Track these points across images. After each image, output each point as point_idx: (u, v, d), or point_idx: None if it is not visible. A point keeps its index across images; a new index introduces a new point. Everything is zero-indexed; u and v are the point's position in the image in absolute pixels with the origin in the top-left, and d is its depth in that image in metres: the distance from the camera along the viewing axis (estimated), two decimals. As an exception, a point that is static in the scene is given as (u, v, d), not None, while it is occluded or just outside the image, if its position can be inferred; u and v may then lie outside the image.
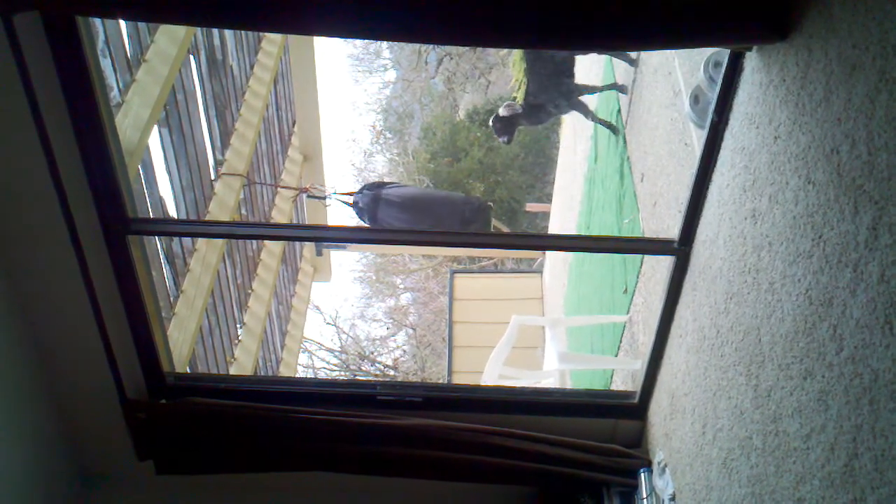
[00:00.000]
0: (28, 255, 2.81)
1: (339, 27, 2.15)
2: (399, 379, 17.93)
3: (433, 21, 2.09)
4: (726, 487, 2.44)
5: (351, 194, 8.33)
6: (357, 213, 8.25)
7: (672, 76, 4.46)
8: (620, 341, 5.45)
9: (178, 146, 6.53)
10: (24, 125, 2.44)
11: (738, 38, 2.26)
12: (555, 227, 10.79)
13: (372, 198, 7.88)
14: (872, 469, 1.66)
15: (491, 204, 8.66)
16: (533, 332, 9.15)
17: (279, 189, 9.53)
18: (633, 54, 5.70)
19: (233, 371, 7.98)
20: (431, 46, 17.19)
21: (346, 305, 26.02)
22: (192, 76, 6.81)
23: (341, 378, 18.25)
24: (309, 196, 9.47)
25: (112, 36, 5.27)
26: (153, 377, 3.19)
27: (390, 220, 8.13)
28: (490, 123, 6.89)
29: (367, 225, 8.23)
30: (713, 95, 2.64)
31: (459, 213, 8.02)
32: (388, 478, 3.21)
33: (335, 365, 19.00)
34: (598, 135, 7.04)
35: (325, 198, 9.36)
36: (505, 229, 15.12)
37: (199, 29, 6.69)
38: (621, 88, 6.03)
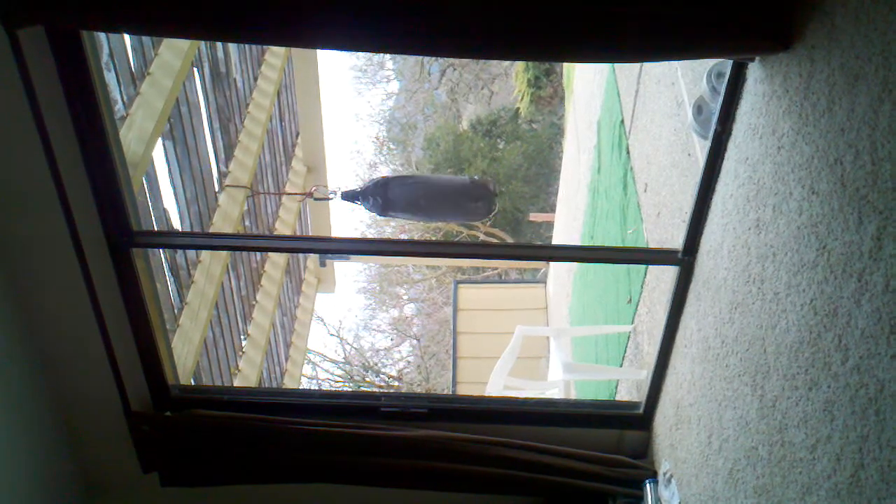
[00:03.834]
0: (32, 267, 2.81)
1: (342, 40, 2.16)
2: (403, 390, 17.93)
3: (434, 34, 2.09)
4: (732, 498, 2.43)
5: (356, 192, 8.34)
6: (367, 209, 8.30)
7: (675, 86, 4.47)
8: (625, 351, 5.44)
9: (183, 159, 6.55)
10: (29, 139, 2.45)
11: (740, 49, 2.26)
12: (558, 238, 10.79)
13: (381, 206, 7.92)
14: (879, 480, 1.66)
15: (490, 179, 8.68)
16: (537, 343, 9.14)
17: (283, 199, 9.55)
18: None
19: (237, 383, 7.99)
20: (434, 57, 17.24)
21: (350, 316, 26.09)
22: (195, 89, 6.83)
23: (345, 389, 18.23)
24: (316, 198, 9.49)
25: (116, 49, 5.29)
26: (157, 389, 3.19)
27: (400, 218, 8.25)
28: None
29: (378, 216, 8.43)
30: (716, 106, 2.65)
31: (465, 198, 8.06)
32: (393, 489, 3.20)
33: (339, 376, 19.00)
34: (601, 145, 7.04)
35: (330, 198, 9.38)
36: (509, 239, 15.14)
37: (202, 42, 6.72)
38: None
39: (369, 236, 18.09)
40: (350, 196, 8.17)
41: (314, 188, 9.61)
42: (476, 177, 9.32)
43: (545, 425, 3.36)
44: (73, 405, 3.16)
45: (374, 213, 8.23)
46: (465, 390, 9.98)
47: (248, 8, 2.03)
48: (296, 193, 9.67)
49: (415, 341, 19.21)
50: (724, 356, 2.56)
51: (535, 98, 14.53)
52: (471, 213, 8.24)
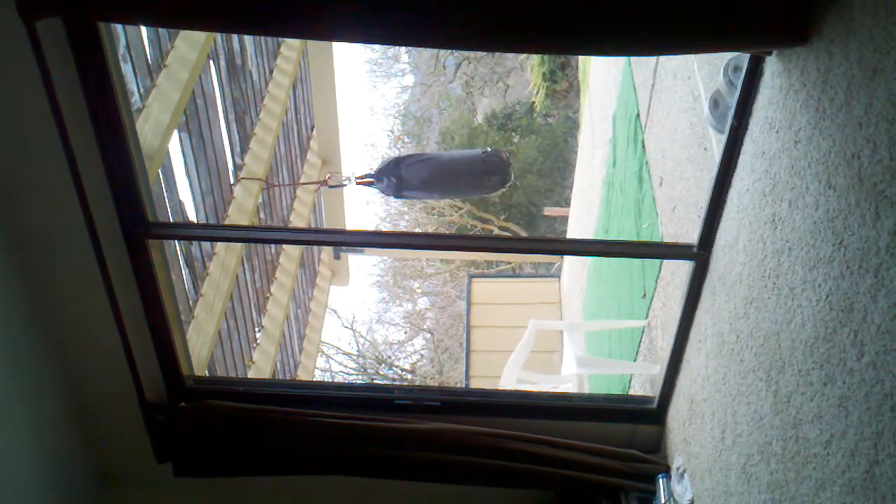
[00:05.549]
0: (49, 259, 2.83)
1: (358, 32, 2.16)
2: (417, 383, 17.96)
3: (449, 26, 2.09)
4: (745, 493, 2.42)
5: (370, 174, 8.32)
6: (382, 192, 8.29)
7: (691, 80, 4.44)
8: (639, 346, 5.43)
9: (198, 151, 6.57)
10: (47, 130, 2.47)
11: (758, 43, 2.25)
12: (573, 232, 10.77)
13: (395, 186, 7.90)
14: (894, 476, 1.65)
15: (507, 154, 8.60)
16: (551, 337, 9.13)
17: (298, 191, 9.57)
18: None
19: (251, 374, 8.02)
20: (449, 51, 17.22)
21: (364, 309, 26.15)
22: (211, 81, 6.85)
23: (359, 382, 18.29)
24: (331, 186, 9.50)
25: (133, 41, 5.31)
26: (172, 380, 3.21)
27: (416, 198, 8.21)
28: None
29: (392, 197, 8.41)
30: (733, 100, 2.63)
31: (479, 171, 8.02)
32: (405, 481, 3.21)
33: (353, 369, 19.06)
34: (616, 139, 7.02)
35: (345, 184, 9.40)
36: (523, 234, 15.12)
37: (218, 34, 6.73)
38: None
39: (384, 230, 18.11)
40: (364, 184, 8.17)
41: (328, 176, 9.63)
42: (488, 149, 9.23)
43: (558, 419, 3.36)
44: (88, 395, 3.19)
45: (389, 195, 8.20)
46: (478, 384, 9.98)
47: (265, 0, 2.03)
48: (310, 183, 9.69)
49: (428, 335, 19.24)
50: (739, 351, 2.55)
51: (550, 92, 14.49)
52: (485, 186, 8.19)
